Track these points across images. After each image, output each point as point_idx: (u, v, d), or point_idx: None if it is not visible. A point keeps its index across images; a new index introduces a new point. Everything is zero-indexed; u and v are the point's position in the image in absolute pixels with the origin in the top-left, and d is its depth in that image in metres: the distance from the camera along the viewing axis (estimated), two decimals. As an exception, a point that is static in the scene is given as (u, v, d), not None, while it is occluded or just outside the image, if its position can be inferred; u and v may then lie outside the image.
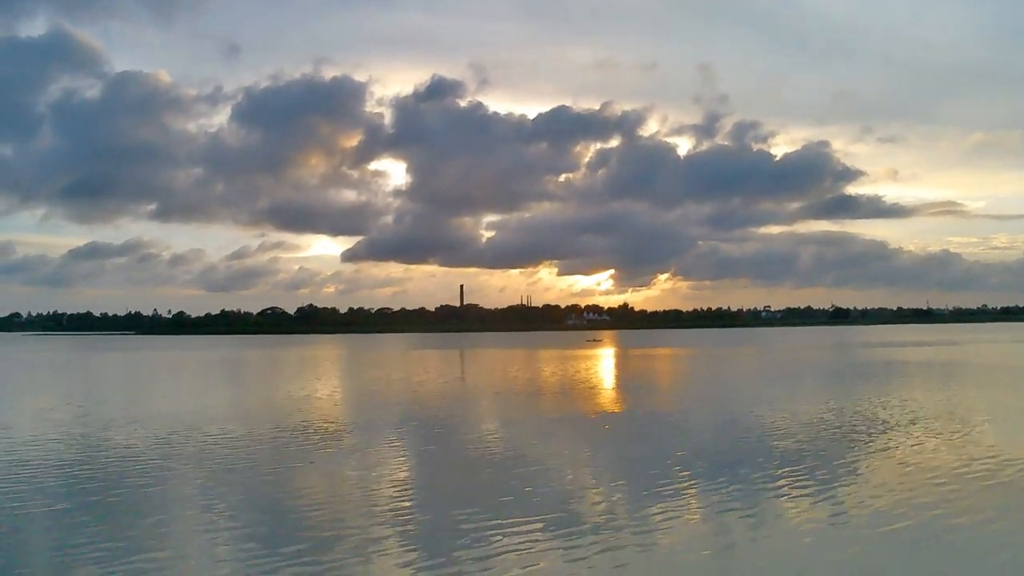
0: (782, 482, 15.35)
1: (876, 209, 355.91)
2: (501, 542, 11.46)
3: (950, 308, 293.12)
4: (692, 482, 15.49)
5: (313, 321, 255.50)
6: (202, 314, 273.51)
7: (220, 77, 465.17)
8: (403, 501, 14.21)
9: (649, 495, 14.37)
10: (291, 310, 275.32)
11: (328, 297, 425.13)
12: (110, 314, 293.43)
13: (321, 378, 48.19)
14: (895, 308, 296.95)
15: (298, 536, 11.92)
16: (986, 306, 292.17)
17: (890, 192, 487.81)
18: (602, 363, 63.63)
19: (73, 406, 31.59)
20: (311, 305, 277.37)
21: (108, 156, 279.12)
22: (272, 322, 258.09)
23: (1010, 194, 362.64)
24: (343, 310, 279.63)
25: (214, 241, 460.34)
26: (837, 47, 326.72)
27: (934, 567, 10.29)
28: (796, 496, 14.17)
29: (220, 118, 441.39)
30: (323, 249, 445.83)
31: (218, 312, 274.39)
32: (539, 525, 12.31)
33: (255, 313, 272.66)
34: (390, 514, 13.19)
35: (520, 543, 11.37)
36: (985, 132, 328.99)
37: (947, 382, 38.31)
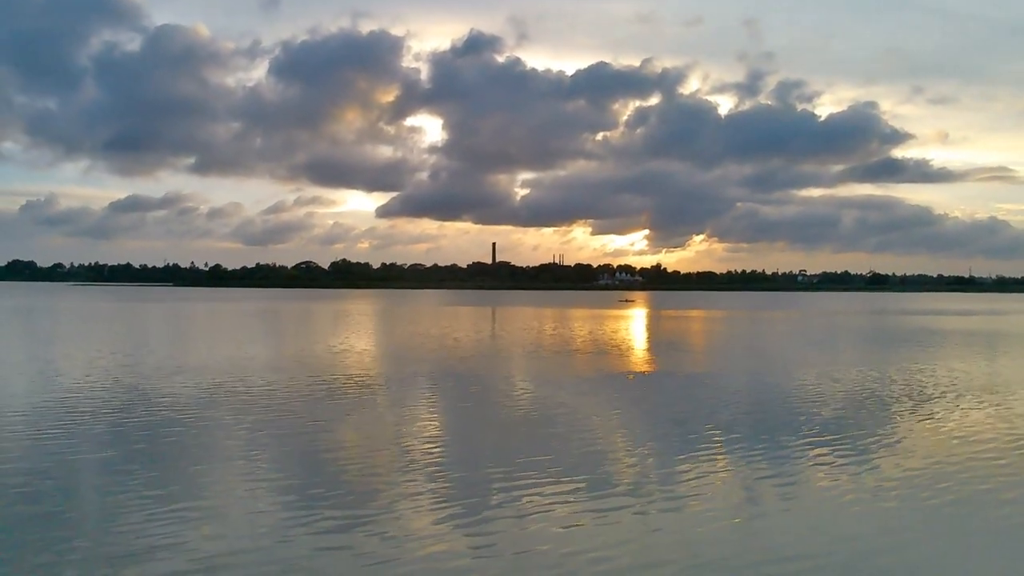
0: (818, 449, 15.28)
1: (923, 173, 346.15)
2: (533, 501, 11.61)
3: (993, 276, 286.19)
4: (726, 446, 15.49)
5: (347, 276, 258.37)
6: (238, 267, 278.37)
7: (258, 30, 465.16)
8: (437, 456, 14.44)
9: (682, 458, 14.41)
10: (325, 265, 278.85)
11: (362, 252, 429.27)
12: (149, 266, 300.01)
13: (356, 332, 48.86)
14: (936, 275, 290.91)
15: (334, 488, 12.19)
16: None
17: (939, 156, 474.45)
18: (634, 323, 63.51)
19: (119, 355, 32.47)
20: (345, 260, 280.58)
21: (148, 110, 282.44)
22: (306, 276, 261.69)
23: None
24: (376, 265, 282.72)
25: (251, 195, 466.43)
26: (888, 1, 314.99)
27: (972, 539, 10.21)
28: (832, 464, 14.11)
29: (258, 72, 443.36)
30: (358, 205, 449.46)
31: (253, 265, 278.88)
32: (572, 485, 12.43)
33: (290, 267, 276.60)
34: (424, 469, 13.42)
35: (552, 502, 11.51)
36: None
37: (989, 352, 37.59)
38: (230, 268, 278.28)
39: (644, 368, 30.53)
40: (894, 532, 10.35)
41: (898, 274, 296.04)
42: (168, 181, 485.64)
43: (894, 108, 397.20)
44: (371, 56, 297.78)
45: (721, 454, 14.83)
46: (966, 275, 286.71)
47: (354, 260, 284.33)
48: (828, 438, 16.28)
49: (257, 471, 13.19)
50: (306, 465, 13.74)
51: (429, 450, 14.95)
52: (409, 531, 10.24)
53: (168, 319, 66.28)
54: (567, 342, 42.46)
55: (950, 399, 21.65)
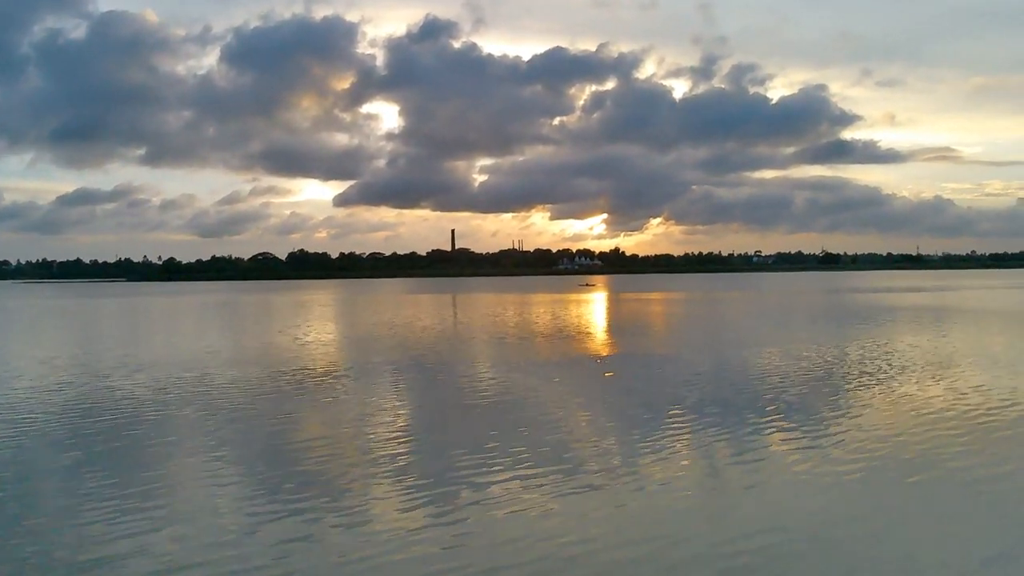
0: (780, 426, 15.62)
1: (871, 155, 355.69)
2: (496, 484, 11.67)
3: (940, 254, 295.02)
4: (691, 426, 15.75)
5: (305, 266, 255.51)
6: (193, 260, 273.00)
7: (209, 17, 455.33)
8: (404, 446, 14.40)
9: (649, 438, 14.61)
10: (282, 255, 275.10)
11: (320, 242, 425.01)
12: (100, 261, 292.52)
13: (316, 323, 48.35)
14: (885, 254, 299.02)
15: (298, 480, 12.09)
16: (975, 252, 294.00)
17: (886, 137, 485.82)
18: (596, 307, 64.00)
19: (75, 354, 31.65)
20: (302, 250, 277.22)
21: (95, 99, 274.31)
22: (263, 267, 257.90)
23: (1007, 140, 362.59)
24: (335, 255, 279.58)
25: (205, 186, 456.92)
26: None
27: (931, 511, 10.56)
28: (794, 440, 14.44)
29: (210, 59, 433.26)
30: (315, 194, 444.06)
31: (209, 258, 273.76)
32: (540, 469, 12.52)
33: (246, 259, 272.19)
34: (392, 459, 13.38)
35: (521, 487, 11.58)
36: (986, 76, 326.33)
37: (940, 327, 38.78)
38: (184, 261, 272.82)
39: (608, 351, 30.81)
40: (856, 506, 10.65)
41: (849, 253, 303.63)
42: (118, 173, 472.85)
43: (843, 91, 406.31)
44: (325, 42, 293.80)
45: (686, 434, 15.07)
46: (914, 253, 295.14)
47: (312, 250, 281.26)
48: (790, 415, 16.64)
49: (221, 468, 13.00)
50: (271, 460, 13.59)
51: (396, 440, 14.90)
52: (378, 523, 10.21)
53: (123, 315, 64.77)
54: (530, 327, 42.62)
55: (905, 374, 22.30)
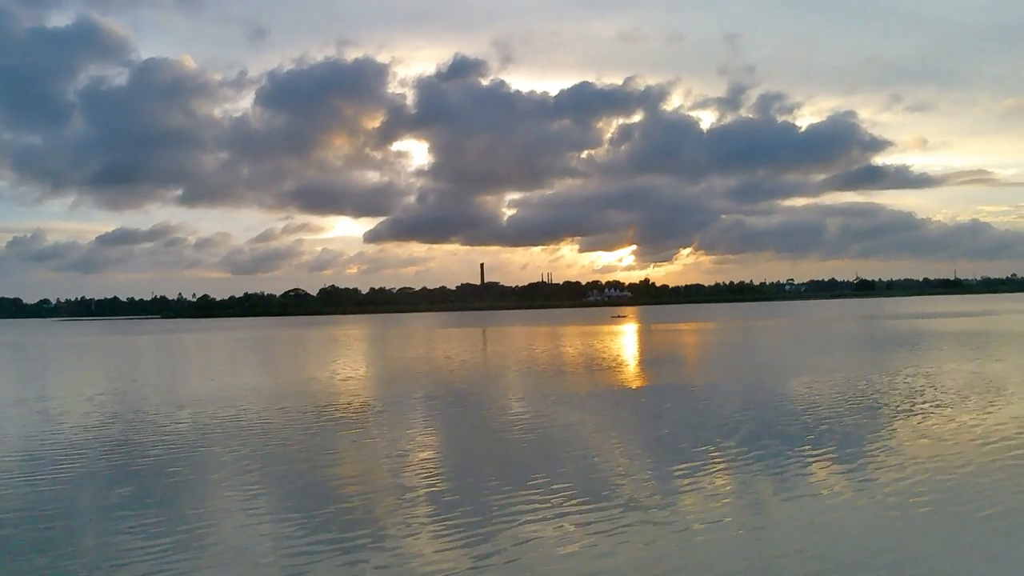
0: (813, 456, 15.41)
1: (904, 179, 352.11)
2: (533, 520, 11.66)
3: (978, 278, 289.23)
4: (722, 457, 15.60)
5: (336, 302, 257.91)
6: (226, 297, 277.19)
7: (245, 61, 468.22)
8: (437, 479, 14.47)
9: (679, 470, 14.50)
10: (314, 291, 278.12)
11: (351, 278, 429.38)
12: (136, 298, 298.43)
13: (349, 358, 48.77)
14: (922, 279, 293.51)
15: (336, 519, 12.21)
16: (1015, 275, 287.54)
17: (918, 161, 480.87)
18: (628, 338, 63.66)
19: (116, 391, 32.29)
20: (333, 286, 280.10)
21: (136, 142, 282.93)
22: (295, 303, 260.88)
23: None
24: (365, 290, 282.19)
25: (239, 224, 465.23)
26: (866, 10, 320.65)
27: (963, 540, 10.34)
28: (828, 471, 14.23)
29: (245, 102, 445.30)
30: (346, 230, 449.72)
31: (242, 295, 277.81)
32: (571, 502, 12.50)
33: (278, 295, 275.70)
34: (426, 496, 13.44)
35: (552, 520, 11.58)
36: (1017, 96, 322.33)
37: (977, 353, 37.94)
38: (218, 298, 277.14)
39: (640, 382, 30.63)
40: (893, 538, 10.47)
41: (884, 279, 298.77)
42: (156, 213, 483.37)
43: (873, 116, 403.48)
44: (357, 83, 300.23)
45: (718, 465, 14.93)
46: (952, 277, 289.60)
47: (343, 286, 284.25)
48: (827, 445, 16.40)
49: (262, 507, 13.16)
50: (308, 497, 13.73)
51: (435, 477, 14.95)
52: (413, 560, 10.24)
53: (160, 352, 65.91)
54: (563, 360, 42.54)
55: (945, 402, 21.86)
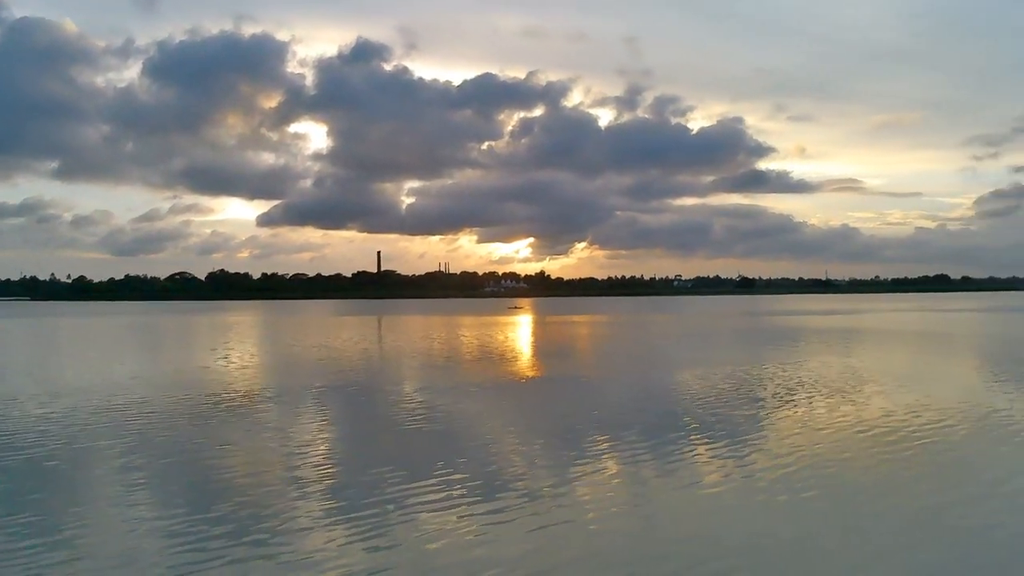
0: (701, 446, 16.21)
1: (784, 184, 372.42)
2: (425, 507, 11.76)
3: (847, 279, 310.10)
4: (615, 447, 16.17)
5: (225, 287, 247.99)
6: (105, 279, 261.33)
7: (132, 29, 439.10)
8: (330, 472, 14.30)
9: (573, 461, 14.93)
10: (201, 275, 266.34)
11: (242, 262, 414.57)
12: (2, 278, 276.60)
13: (239, 345, 47.11)
14: (797, 278, 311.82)
15: (225, 511, 11.86)
16: (879, 277, 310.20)
17: (798, 168, 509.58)
18: (523, 330, 64.50)
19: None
20: (223, 270, 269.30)
21: (5, 108, 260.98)
22: (181, 288, 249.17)
23: (906, 173, 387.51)
24: (256, 276, 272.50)
25: (122, 203, 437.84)
26: (757, 23, 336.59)
27: (836, 522, 11.21)
28: (714, 459, 15.02)
29: (131, 72, 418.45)
30: (238, 213, 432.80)
31: (122, 277, 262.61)
32: (463, 489, 12.67)
33: (163, 278, 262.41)
34: (318, 486, 13.28)
35: (444, 508, 11.71)
36: (886, 113, 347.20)
37: (848, 348, 40.78)
38: (96, 280, 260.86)
39: (534, 373, 31.18)
40: (774, 523, 11.21)
41: (764, 277, 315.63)
42: (26, 187, 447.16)
43: (758, 123, 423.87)
44: (254, 60, 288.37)
45: (610, 454, 15.48)
46: (824, 278, 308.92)
47: (233, 270, 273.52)
48: (713, 435, 17.29)
49: (145, 502, 12.62)
50: (198, 492, 13.27)
51: (322, 465, 14.77)
52: (305, 552, 10.10)
53: (32, 337, 61.54)
54: (460, 350, 42.68)
55: (820, 393, 23.42)
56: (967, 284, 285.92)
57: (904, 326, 63.36)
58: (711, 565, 9.50)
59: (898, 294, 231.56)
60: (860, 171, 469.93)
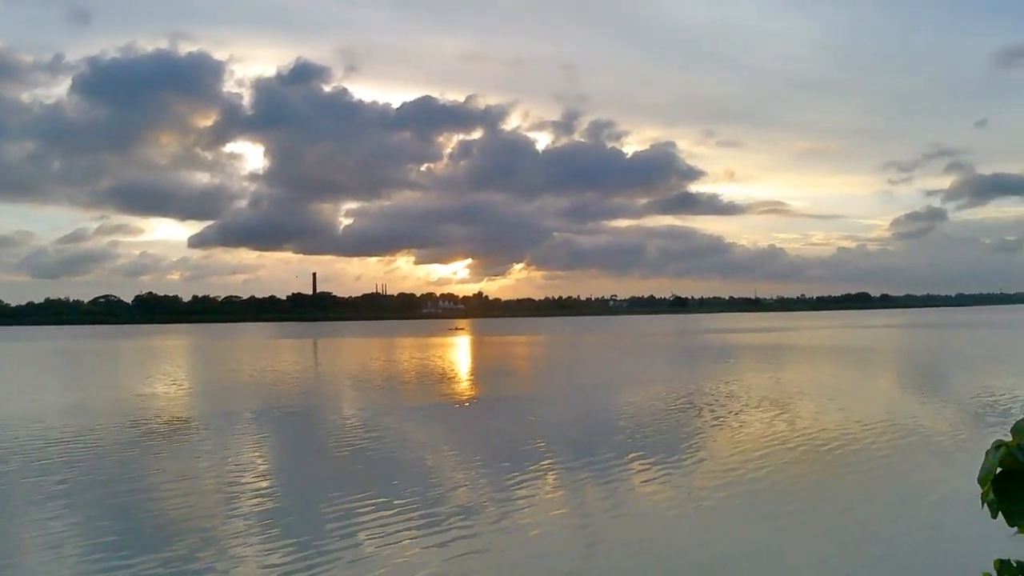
0: (636, 461, 16.53)
1: (714, 207, 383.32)
2: (363, 531, 11.67)
3: (775, 297, 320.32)
4: (553, 464, 16.36)
5: (153, 310, 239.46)
6: (23, 303, 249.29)
7: (62, 45, 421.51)
8: (267, 498, 14.04)
9: (508, 479, 15.03)
10: (128, 298, 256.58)
11: (172, 284, 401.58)
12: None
13: (168, 370, 45.64)
14: (728, 297, 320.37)
15: (156, 541, 11.51)
16: (804, 295, 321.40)
17: (727, 191, 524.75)
18: (462, 351, 64.39)
19: None
20: (151, 293, 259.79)
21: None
22: (106, 311, 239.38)
23: (827, 196, 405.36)
24: (187, 298, 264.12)
25: (46, 223, 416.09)
26: (689, 52, 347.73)
27: (768, 532, 11.64)
28: (649, 474, 15.34)
29: (60, 89, 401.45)
30: (169, 234, 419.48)
31: (43, 300, 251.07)
32: (401, 513, 12.62)
33: (87, 301, 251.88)
34: (250, 509, 13.04)
35: (382, 531, 11.64)
36: (810, 141, 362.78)
37: (776, 364, 42.15)
38: (13, 304, 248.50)
39: (474, 393, 31.21)
40: (707, 533, 11.56)
41: (697, 297, 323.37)
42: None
43: (690, 148, 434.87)
44: (189, 78, 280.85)
45: (545, 474, 15.65)
46: (753, 296, 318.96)
47: (162, 293, 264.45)
48: (648, 451, 17.65)
49: (70, 533, 12.11)
50: (125, 523, 12.83)
51: (260, 494, 14.45)
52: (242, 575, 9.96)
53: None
54: (398, 372, 42.35)
55: (751, 407, 24.16)
56: (886, 301, 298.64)
57: (829, 342, 65.79)
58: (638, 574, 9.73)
59: (822, 311, 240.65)
60: (785, 194, 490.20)
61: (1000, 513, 1.70)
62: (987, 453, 1.73)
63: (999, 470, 1.69)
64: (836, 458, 16.45)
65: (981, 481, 1.71)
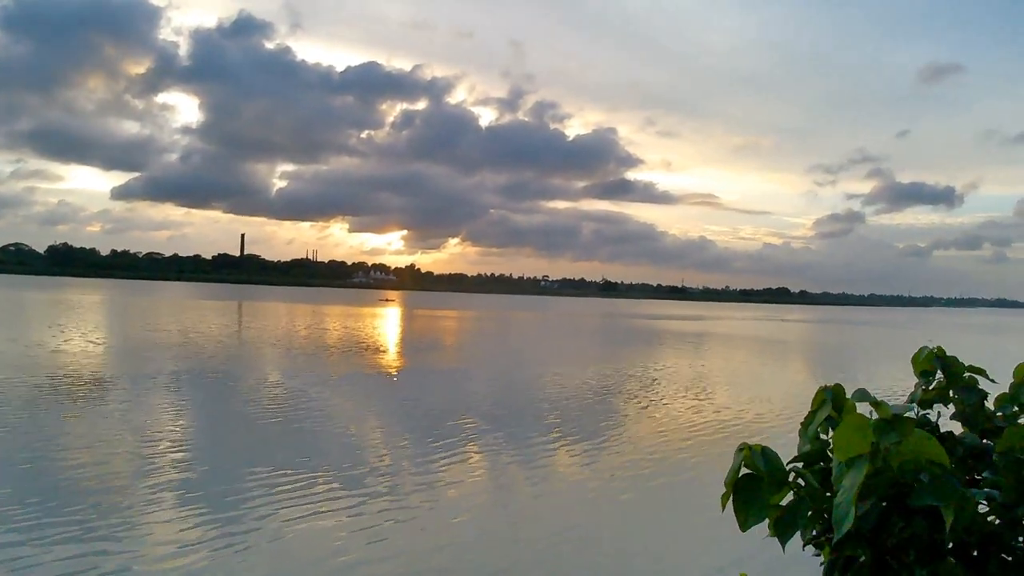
0: (560, 440, 16.83)
1: (649, 195, 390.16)
2: (281, 500, 11.56)
3: (701, 287, 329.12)
4: (475, 440, 16.50)
5: (67, 262, 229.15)
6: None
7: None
8: (183, 466, 13.69)
9: (435, 454, 15.11)
10: (41, 248, 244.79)
11: (91, 237, 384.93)
12: None
13: (80, 326, 43.82)
14: (656, 284, 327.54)
15: (63, 507, 11.09)
16: (729, 287, 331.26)
17: (663, 180, 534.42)
18: (391, 322, 63.95)
19: None
20: (66, 244, 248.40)
21: None
22: (15, 260, 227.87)
23: (757, 192, 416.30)
24: (105, 252, 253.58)
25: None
26: (633, 38, 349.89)
27: (684, 514, 12.07)
28: (569, 453, 15.65)
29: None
30: (90, 183, 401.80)
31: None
32: (321, 482, 12.56)
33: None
34: (164, 475, 12.74)
35: (301, 501, 11.56)
36: (744, 136, 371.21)
37: (698, 351, 43.40)
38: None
39: (401, 365, 31.10)
40: (624, 512, 11.90)
41: (626, 282, 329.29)
42: None
43: (630, 135, 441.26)
44: (122, 21, 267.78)
45: (474, 448, 15.80)
46: (680, 285, 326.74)
47: (79, 245, 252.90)
48: (569, 430, 17.99)
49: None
50: (30, 486, 12.37)
51: (175, 463, 14.08)
52: (154, 545, 9.70)
53: None
54: (324, 341, 41.78)
55: (671, 392, 24.85)
56: (804, 297, 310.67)
57: (749, 333, 68.09)
58: (550, 551, 9.97)
59: (745, 304, 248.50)
60: (717, 187, 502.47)
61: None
62: (734, 455, 1.69)
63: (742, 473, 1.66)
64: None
65: (725, 483, 1.67)
